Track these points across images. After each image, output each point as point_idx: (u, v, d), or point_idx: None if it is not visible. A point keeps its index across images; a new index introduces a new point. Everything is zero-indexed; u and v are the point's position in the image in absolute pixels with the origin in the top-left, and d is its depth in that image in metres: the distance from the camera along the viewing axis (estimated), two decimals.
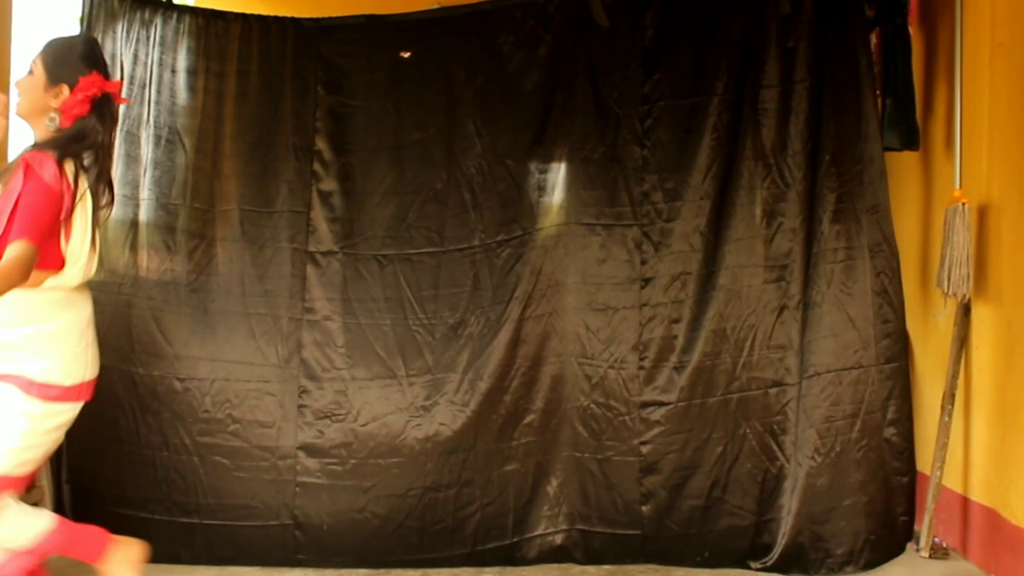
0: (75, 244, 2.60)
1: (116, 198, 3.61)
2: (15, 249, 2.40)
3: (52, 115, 2.65)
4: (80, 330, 2.66)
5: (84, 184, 2.62)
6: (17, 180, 2.50)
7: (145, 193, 3.67)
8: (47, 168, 2.52)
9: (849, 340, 3.51)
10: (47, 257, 2.52)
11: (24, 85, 2.69)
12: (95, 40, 3.06)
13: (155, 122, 3.70)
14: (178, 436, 3.55)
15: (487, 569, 3.55)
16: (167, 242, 3.64)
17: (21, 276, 2.40)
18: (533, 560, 3.58)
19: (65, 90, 2.65)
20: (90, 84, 2.66)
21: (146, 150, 3.68)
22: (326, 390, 3.58)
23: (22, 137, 3.56)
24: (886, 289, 3.53)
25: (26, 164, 2.51)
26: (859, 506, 3.49)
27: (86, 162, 2.65)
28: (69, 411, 2.63)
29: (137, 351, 3.57)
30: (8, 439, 2.52)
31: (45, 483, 3.52)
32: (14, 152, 3.48)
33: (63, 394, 2.59)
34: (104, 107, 2.70)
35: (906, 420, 3.55)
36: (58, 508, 3.57)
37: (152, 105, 3.70)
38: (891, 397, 3.52)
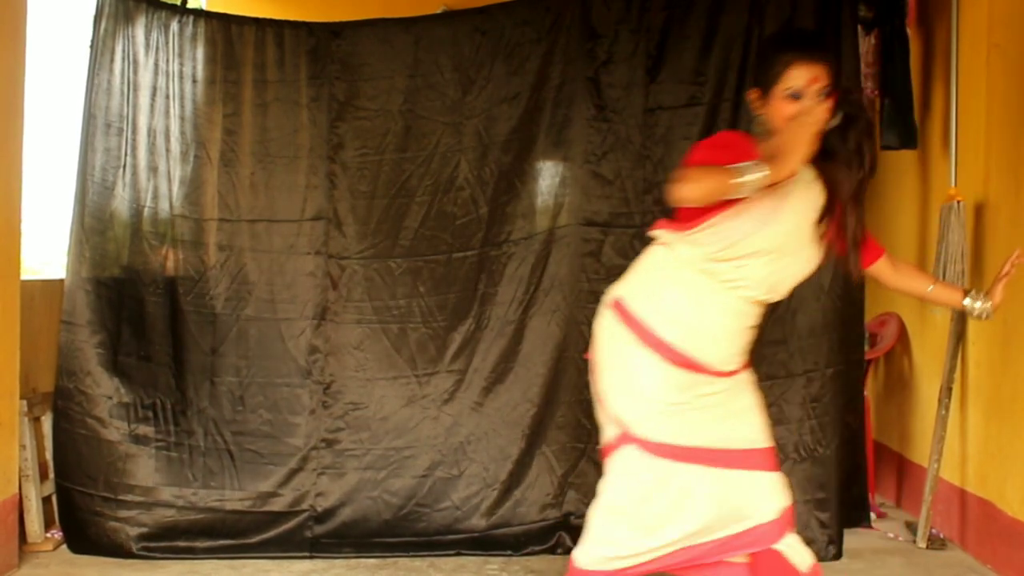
0: None
1: (146, 210, 3.77)
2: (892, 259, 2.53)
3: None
4: None
5: None
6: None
7: (177, 208, 3.78)
8: None
9: (844, 337, 3.58)
10: None
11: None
12: None
13: (180, 136, 3.79)
14: (211, 432, 3.70)
15: (492, 559, 3.62)
16: (202, 257, 3.78)
17: None
18: (537, 548, 3.65)
19: None
20: None
21: (174, 164, 3.78)
22: (347, 387, 3.72)
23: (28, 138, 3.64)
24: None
25: None
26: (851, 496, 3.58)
27: None
28: None
29: (175, 355, 3.74)
30: None
31: (31, 472, 3.59)
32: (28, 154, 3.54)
33: None
34: None
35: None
36: (63, 503, 3.69)
37: (176, 119, 3.79)
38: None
